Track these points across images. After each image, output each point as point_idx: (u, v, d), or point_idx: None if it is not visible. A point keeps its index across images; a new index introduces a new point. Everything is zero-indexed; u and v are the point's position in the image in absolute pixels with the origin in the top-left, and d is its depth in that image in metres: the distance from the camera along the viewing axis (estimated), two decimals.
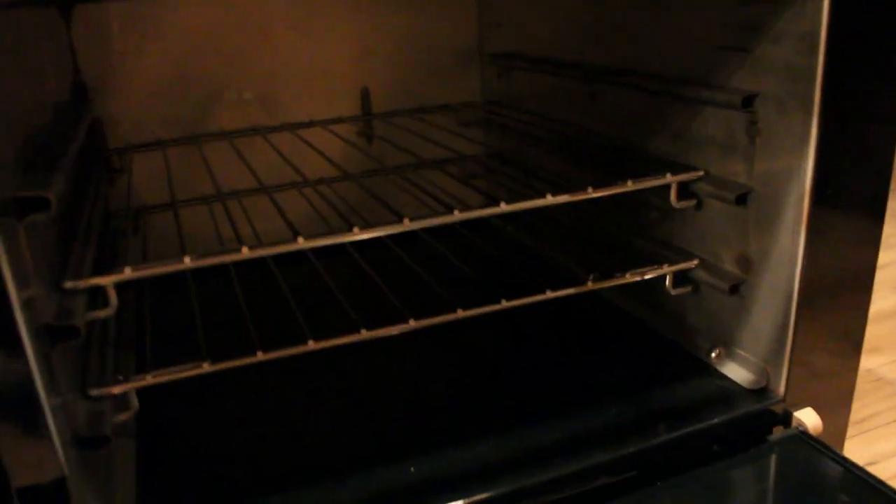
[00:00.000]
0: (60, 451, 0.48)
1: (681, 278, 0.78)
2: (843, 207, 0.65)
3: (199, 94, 1.06)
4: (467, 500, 0.60)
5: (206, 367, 0.61)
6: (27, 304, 0.46)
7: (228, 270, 0.85)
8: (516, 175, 0.95)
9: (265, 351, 0.62)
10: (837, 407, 0.75)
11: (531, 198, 0.66)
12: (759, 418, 0.71)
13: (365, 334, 0.64)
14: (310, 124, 1.09)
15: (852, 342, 0.72)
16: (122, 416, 0.61)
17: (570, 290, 0.71)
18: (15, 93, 0.59)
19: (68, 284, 0.55)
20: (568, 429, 0.68)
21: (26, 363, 0.46)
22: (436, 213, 0.63)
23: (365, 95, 1.14)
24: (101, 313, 0.58)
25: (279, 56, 1.09)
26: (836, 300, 0.69)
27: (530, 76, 1.06)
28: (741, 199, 0.69)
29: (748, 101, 0.66)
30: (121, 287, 0.82)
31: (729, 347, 0.76)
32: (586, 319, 0.90)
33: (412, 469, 0.64)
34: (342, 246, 0.86)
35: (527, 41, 1.06)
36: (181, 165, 1.03)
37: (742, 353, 0.74)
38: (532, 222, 1.08)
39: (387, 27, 1.13)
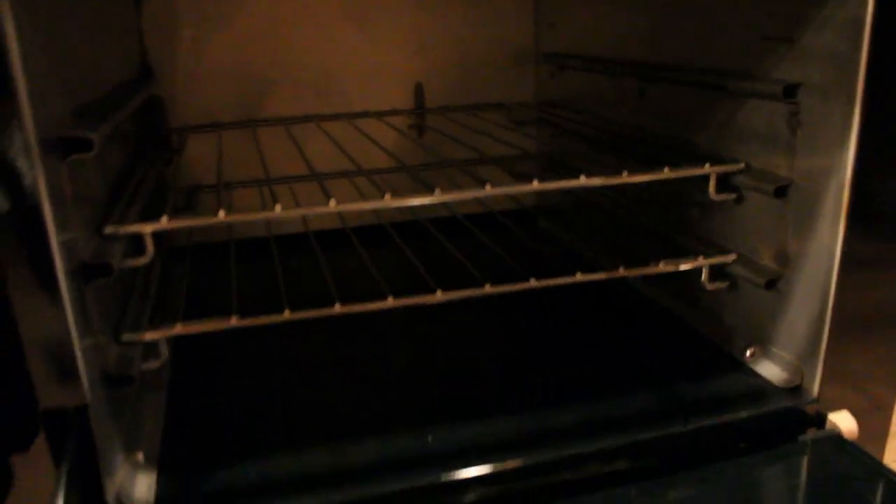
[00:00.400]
0: (86, 382, 0.50)
1: (718, 273, 0.76)
2: (886, 202, 0.63)
3: (257, 81, 1.10)
4: (479, 472, 0.60)
5: (235, 322, 0.62)
6: (65, 242, 0.48)
7: (270, 246, 0.88)
8: (563, 173, 0.96)
9: (293, 311, 0.63)
10: (876, 412, 0.72)
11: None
12: (790, 417, 0.69)
13: (391, 302, 0.65)
14: (364, 115, 1.12)
15: (893, 346, 0.70)
16: (153, 364, 0.63)
17: (602, 275, 0.70)
18: (81, 61, 0.63)
19: (108, 230, 0.58)
20: (590, 411, 0.67)
21: (59, 293, 0.48)
22: (468, 188, 0.64)
23: (419, 90, 1.16)
24: (138, 261, 0.60)
25: (336, 48, 1.12)
26: (876, 300, 0.67)
27: (581, 75, 1.06)
28: (780, 192, 0.67)
29: (790, 91, 0.65)
30: (167, 256, 0.86)
31: (764, 346, 0.74)
32: (624, 313, 0.90)
33: (430, 438, 0.64)
34: (386, 233, 0.88)
35: (579, 40, 1.06)
36: (236, 149, 1.06)
37: (777, 350, 0.72)
38: (574, 219, 1.08)
39: (444, 23, 1.15)
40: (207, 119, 1.09)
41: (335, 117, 1.11)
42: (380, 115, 1.12)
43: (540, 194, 1.19)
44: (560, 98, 1.14)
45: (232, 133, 1.07)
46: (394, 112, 1.14)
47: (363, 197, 1.04)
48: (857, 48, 0.58)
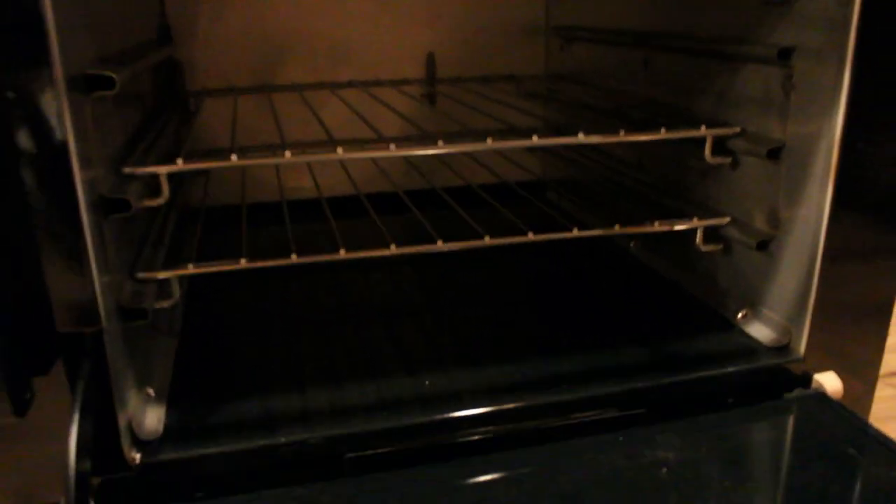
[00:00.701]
0: (102, 311, 0.54)
1: (712, 236, 0.78)
2: (873, 165, 0.65)
3: (273, 47, 1.13)
4: (472, 413, 0.63)
5: (244, 264, 0.65)
6: (87, 177, 0.51)
7: (282, 210, 0.90)
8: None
9: (299, 255, 0.66)
10: (862, 374, 0.74)
11: (561, 135, 0.68)
12: (777, 374, 0.71)
13: (394, 249, 0.68)
14: (377, 83, 1.14)
15: (879, 309, 0.72)
16: (164, 303, 0.66)
17: (598, 232, 0.73)
18: (105, 14, 0.66)
19: (127, 169, 0.61)
20: (584, 362, 0.70)
21: (81, 223, 0.51)
22: (467, 141, 0.66)
23: (430, 60, 1.18)
24: (154, 201, 0.63)
25: (352, 17, 1.14)
26: (863, 263, 0.69)
27: (589, 47, 1.08)
28: (773, 153, 0.70)
29: (785, 53, 0.67)
30: (181, 215, 0.89)
31: (755, 308, 0.76)
32: (623, 277, 0.93)
33: (427, 382, 0.67)
34: (400, 201, 0.90)
35: (587, 13, 1.08)
36: (251, 113, 1.09)
37: (767, 312, 0.75)
38: (581, 190, 1.10)
39: None
40: (224, 83, 1.12)
41: (349, 85, 1.13)
42: (393, 83, 1.14)
43: (548, 165, 1.22)
44: (569, 70, 1.16)
45: (247, 98, 1.10)
46: (406, 81, 1.17)
47: (376, 164, 1.08)
48: (849, 12, 0.60)
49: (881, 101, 0.63)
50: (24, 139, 0.49)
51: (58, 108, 0.48)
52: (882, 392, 1.05)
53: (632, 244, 0.99)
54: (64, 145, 0.49)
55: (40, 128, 0.49)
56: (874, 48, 0.61)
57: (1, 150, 0.49)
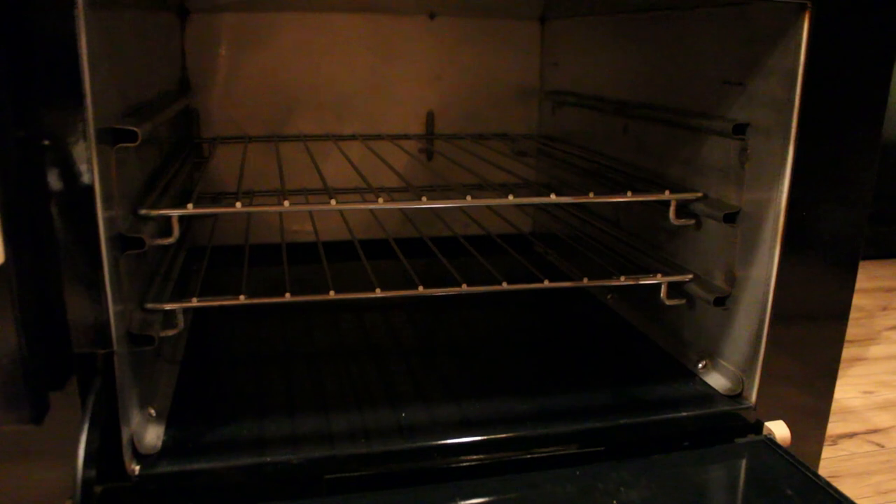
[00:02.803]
0: (114, 335, 0.60)
1: (676, 291, 0.85)
2: (818, 231, 0.72)
3: (283, 100, 1.21)
4: (441, 443, 0.69)
5: (243, 300, 0.72)
6: (108, 216, 0.59)
7: (282, 251, 0.98)
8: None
9: (293, 294, 0.73)
10: (810, 426, 0.80)
11: (540, 195, 0.75)
12: (730, 420, 0.77)
13: (378, 293, 0.75)
14: (378, 137, 1.23)
15: (825, 364, 0.78)
16: (169, 332, 0.73)
17: (567, 284, 0.80)
18: (132, 70, 0.74)
19: (143, 211, 0.68)
20: (551, 401, 0.76)
21: (100, 257, 0.58)
22: (454, 194, 0.74)
23: (430, 117, 1.27)
24: (166, 240, 0.70)
25: (358, 74, 1.23)
26: (809, 321, 0.76)
27: (577, 111, 1.16)
28: (729, 218, 0.77)
29: (739, 129, 0.74)
30: (188, 254, 0.96)
31: (714, 359, 0.82)
32: (595, 326, 0.99)
33: (403, 414, 0.73)
34: (390, 248, 0.97)
35: (576, 80, 1.17)
36: (259, 160, 1.17)
37: (723, 362, 0.81)
38: (565, 246, 1.17)
39: (457, 59, 1.26)
40: (236, 131, 1.20)
41: (352, 138, 1.22)
42: (393, 137, 1.23)
43: (535, 220, 1.29)
44: (559, 132, 1.24)
45: (257, 145, 1.18)
46: (406, 136, 1.25)
47: (373, 214, 1.15)
48: (793, 95, 0.68)
49: (822, 173, 0.71)
50: (54, 181, 0.56)
51: (87, 156, 0.56)
52: (860, 448, 1.11)
53: (609, 297, 1.05)
54: (90, 188, 0.57)
55: (69, 172, 0.56)
56: (815, 126, 0.68)
57: (33, 189, 0.56)
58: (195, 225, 1.16)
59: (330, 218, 1.16)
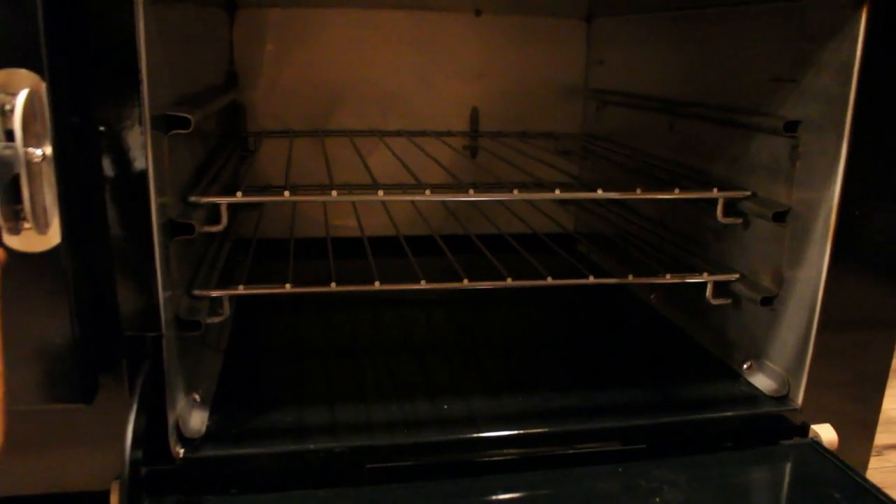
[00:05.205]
0: (163, 319, 0.61)
1: (722, 290, 0.84)
2: (870, 231, 0.71)
3: (329, 95, 1.22)
4: (485, 436, 0.69)
5: (289, 288, 0.73)
6: (160, 202, 0.60)
7: (327, 246, 0.98)
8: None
9: (339, 284, 0.74)
10: (856, 433, 0.78)
11: (584, 191, 0.75)
12: (775, 422, 0.76)
13: (424, 284, 0.75)
14: (423, 133, 1.23)
15: (874, 371, 0.76)
16: (215, 319, 0.74)
17: (612, 280, 0.79)
18: (184, 62, 0.76)
19: (192, 198, 0.69)
20: (593, 398, 0.76)
21: (152, 242, 0.60)
22: (498, 189, 0.74)
23: (474, 114, 1.27)
24: (214, 228, 0.71)
25: (403, 70, 1.23)
26: (859, 325, 0.74)
27: (621, 110, 1.15)
28: (779, 217, 0.75)
29: (791, 126, 0.73)
30: (234, 245, 0.97)
31: (759, 360, 0.81)
32: (641, 327, 0.98)
33: (446, 406, 0.74)
34: (437, 244, 0.97)
35: (622, 78, 1.16)
36: (305, 155, 1.18)
37: (769, 363, 0.79)
38: (610, 245, 1.16)
39: (503, 56, 1.26)
40: (281, 126, 1.21)
41: (397, 133, 1.22)
42: (438, 134, 1.23)
43: (579, 219, 1.28)
44: (603, 130, 1.24)
45: (301, 140, 1.19)
46: (450, 133, 1.25)
47: (417, 210, 1.15)
48: (847, 90, 0.66)
49: (877, 172, 0.69)
50: (108, 167, 0.58)
51: (141, 142, 0.57)
52: None
53: (652, 296, 1.04)
54: (143, 174, 0.58)
55: (124, 158, 0.58)
56: (870, 123, 0.67)
57: (89, 174, 0.57)
58: (241, 216, 1.18)
59: (374, 214, 1.16)
